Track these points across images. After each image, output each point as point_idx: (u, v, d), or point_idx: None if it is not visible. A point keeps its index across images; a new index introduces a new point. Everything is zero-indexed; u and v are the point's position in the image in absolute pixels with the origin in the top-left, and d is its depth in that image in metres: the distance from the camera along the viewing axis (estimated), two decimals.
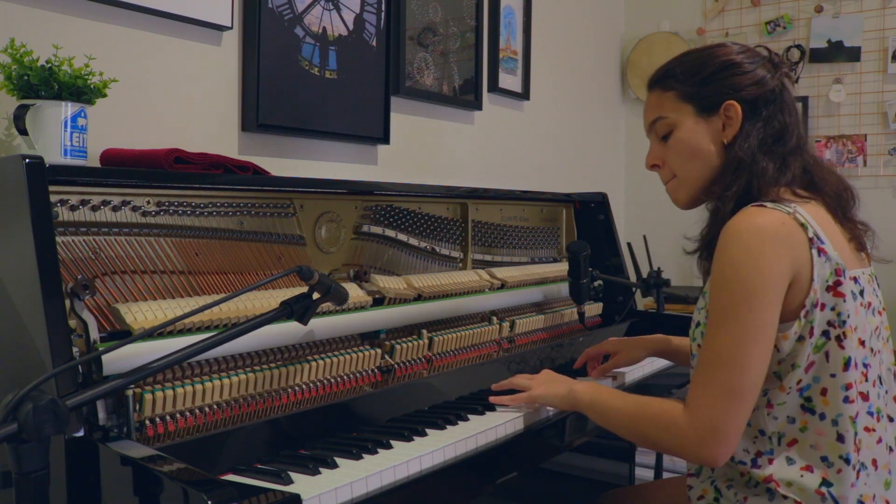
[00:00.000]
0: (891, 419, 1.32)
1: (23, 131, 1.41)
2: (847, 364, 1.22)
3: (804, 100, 3.54)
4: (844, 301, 1.22)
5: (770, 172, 1.29)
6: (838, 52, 3.49)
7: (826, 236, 1.24)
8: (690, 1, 3.82)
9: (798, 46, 3.57)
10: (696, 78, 1.38)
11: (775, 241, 1.19)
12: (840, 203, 1.34)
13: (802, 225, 1.22)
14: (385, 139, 2.39)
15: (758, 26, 3.66)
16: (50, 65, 1.41)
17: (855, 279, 1.26)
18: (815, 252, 1.21)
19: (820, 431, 1.23)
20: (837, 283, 1.22)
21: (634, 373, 1.95)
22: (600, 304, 2.43)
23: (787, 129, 1.34)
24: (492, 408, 1.53)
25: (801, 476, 1.23)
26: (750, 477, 1.27)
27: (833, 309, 1.22)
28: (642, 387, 1.94)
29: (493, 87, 2.97)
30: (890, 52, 3.40)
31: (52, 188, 1.19)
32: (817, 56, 3.53)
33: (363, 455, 1.26)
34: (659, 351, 1.83)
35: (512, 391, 1.54)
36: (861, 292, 1.27)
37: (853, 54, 3.46)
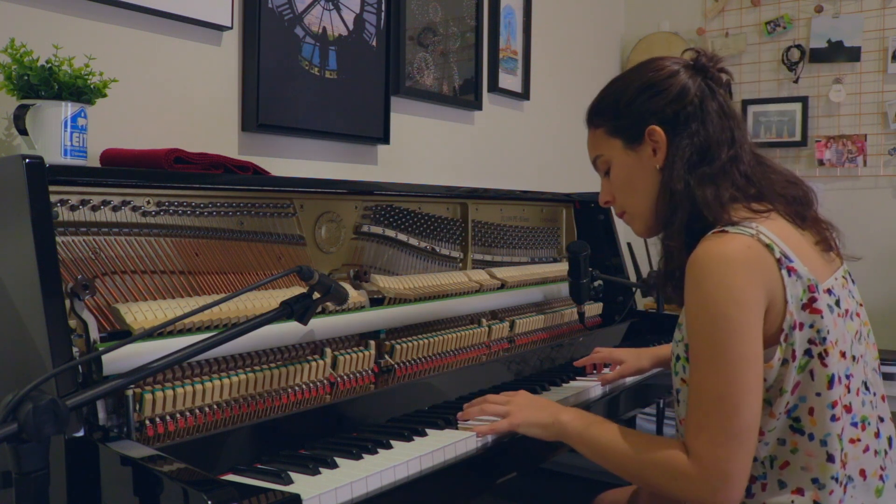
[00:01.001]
0: (881, 419, 1.30)
1: (23, 131, 1.41)
2: (831, 382, 1.19)
3: (804, 100, 3.54)
4: (822, 317, 1.19)
5: (710, 199, 1.24)
6: (838, 52, 3.49)
7: (793, 252, 1.20)
8: (690, 1, 3.82)
9: (798, 46, 3.57)
10: (615, 111, 1.36)
11: (745, 269, 1.15)
12: (796, 208, 1.29)
13: (768, 246, 1.18)
14: (385, 139, 2.39)
15: (758, 26, 3.66)
16: (50, 65, 1.41)
17: (829, 291, 1.23)
18: (785, 273, 1.17)
19: (810, 452, 1.21)
20: (812, 300, 1.18)
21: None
22: (600, 304, 2.43)
23: (709, 144, 1.28)
24: None
25: (793, 501, 1.21)
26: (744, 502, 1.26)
27: (812, 326, 1.19)
28: (643, 386, 1.94)
29: (493, 87, 2.97)
30: (890, 52, 3.40)
31: (52, 188, 1.19)
32: (817, 56, 3.53)
33: (363, 455, 1.25)
34: (665, 362, 1.84)
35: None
36: (837, 302, 1.24)
37: (853, 54, 3.46)
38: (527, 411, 1.40)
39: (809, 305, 1.19)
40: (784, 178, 1.33)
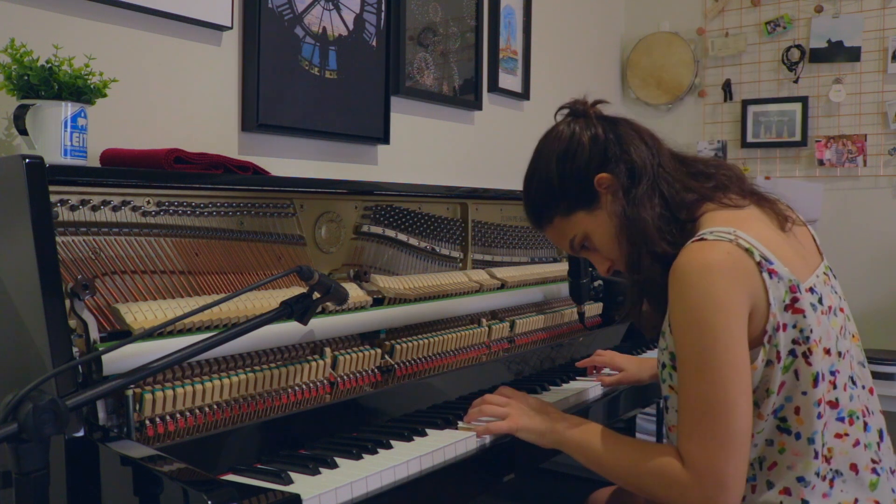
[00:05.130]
0: (871, 413, 1.30)
1: (23, 131, 1.41)
2: (816, 380, 1.20)
3: (804, 100, 3.54)
4: (805, 317, 1.19)
5: (655, 218, 1.26)
6: (838, 52, 3.49)
7: (772, 253, 1.20)
8: (690, 1, 3.81)
9: (798, 46, 3.57)
10: (556, 194, 1.36)
11: (727, 275, 1.16)
12: (739, 187, 1.31)
13: (748, 250, 1.17)
14: (385, 139, 2.39)
15: (758, 26, 3.66)
16: (50, 65, 1.41)
17: (811, 289, 1.23)
18: (766, 275, 1.17)
19: (796, 451, 1.21)
20: (794, 300, 1.19)
21: None
22: (600, 304, 2.43)
23: (634, 162, 1.31)
24: None
25: (781, 502, 1.22)
26: None
27: (795, 326, 1.19)
28: (643, 387, 1.94)
29: (493, 87, 2.97)
30: (890, 52, 3.40)
31: (52, 188, 1.19)
32: (817, 56, 3.53)
33: (363, 455, 1.26)
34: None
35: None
36: (819, 300, 1.24)
37: (853, 54, 3.46)
38: (525, 417, 1.40)
39: (792, 306, 1.19)
40: (711, 164, 1.36)
